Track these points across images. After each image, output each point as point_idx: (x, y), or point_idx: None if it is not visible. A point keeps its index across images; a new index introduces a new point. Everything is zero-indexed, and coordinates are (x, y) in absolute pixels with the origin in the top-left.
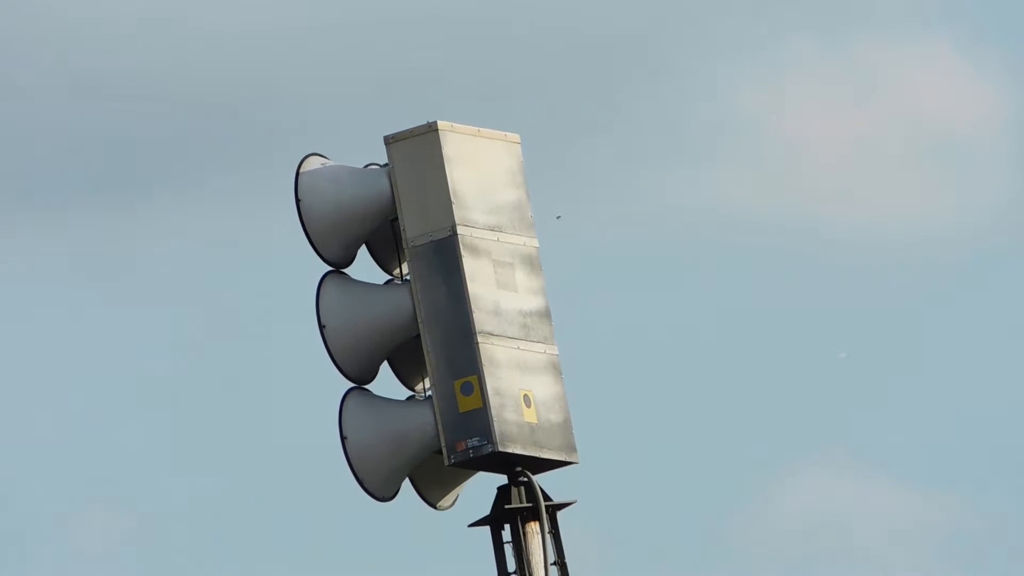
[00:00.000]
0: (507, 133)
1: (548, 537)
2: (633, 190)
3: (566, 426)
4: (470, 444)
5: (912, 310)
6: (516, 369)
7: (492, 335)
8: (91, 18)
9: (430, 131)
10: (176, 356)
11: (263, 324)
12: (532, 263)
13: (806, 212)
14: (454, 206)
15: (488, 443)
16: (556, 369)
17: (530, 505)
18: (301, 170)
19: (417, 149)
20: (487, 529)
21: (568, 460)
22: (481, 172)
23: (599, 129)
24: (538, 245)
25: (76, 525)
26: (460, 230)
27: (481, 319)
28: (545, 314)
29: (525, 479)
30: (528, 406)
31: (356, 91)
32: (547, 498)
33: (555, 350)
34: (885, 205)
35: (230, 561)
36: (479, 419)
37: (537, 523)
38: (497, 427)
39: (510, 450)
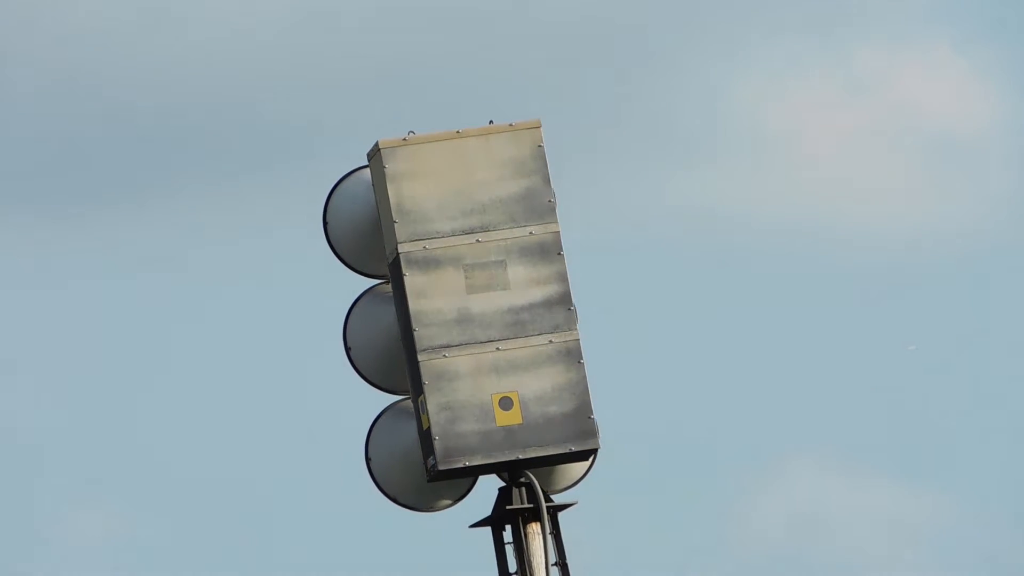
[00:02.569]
0: (516, 122)
1: (549, 538)
2: (631, 188)
3: (578, 414)
4: (430, 462)
5: (910, 308)
6: (489, 374)
7: (449, 347)
8: (91, 16)
9: (376, 152)
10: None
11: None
12: (543, 251)
13: (804, 212)
14: (396, 225)
15: (436, 461)
16: (570, 356)
17: (531, 506)
18: (333, 193)
19: (376, 169)
20: (488, 530)
21: (579, 449)
22: (457, 176)
23: (603, 123)
24: (558, 230)
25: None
26: (407, 247)
27: (431, 335)
28: (558, 301)
29: (526, 480)
30: (508, 408)
31: (356, 89)
32: (548, 499)
33: (570, 336)
34: (883, 204)
35: (229, 562)
36: (430, 437)
37: (538, 524)
38: (441, 444)
39: (459, 464)
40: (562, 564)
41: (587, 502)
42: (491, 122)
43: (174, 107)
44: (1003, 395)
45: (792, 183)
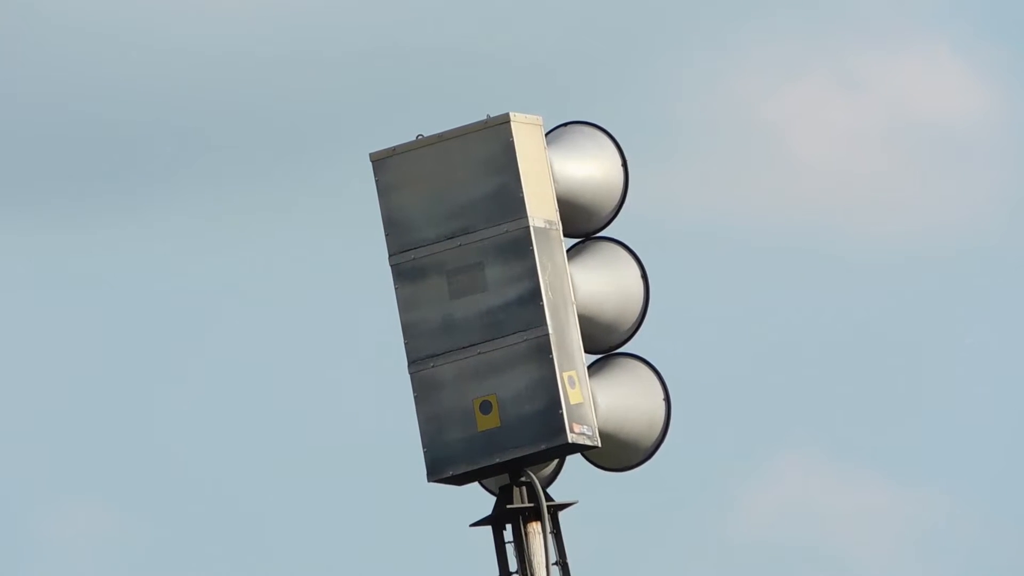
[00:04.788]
0: (490, 117)
1: (550, 537)
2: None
3: (549, 411)
4: None
5: (909, 307)
6: (471, 379)
7: (435, 356)
8: (91, 13)
9: (371, 162)
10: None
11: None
12: (516, 246)
13: (802, 212)
14: (388, 238)
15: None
16: (542, 351)
17: (532, 505)
18: None
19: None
20: (488, 529)
21: (550, 447)
22: (439, 181)
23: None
24: (527, 224)
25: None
26: (396, 259)
27: (419, 346)
28: (529, 297)
29: (526, 479)
30: (487, 412)
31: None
32: (549, 498)
33: (542, 331)
34: (882, 204)
35: (228, 562)
36: None
37: (539, 523)
38: (428, 456)
39: (447, 474)
40: (562, 563)
41: (587, 501)
42: (488, 116)
43: (173, 108)
44: (1002, 392)
45: (789, 184)
